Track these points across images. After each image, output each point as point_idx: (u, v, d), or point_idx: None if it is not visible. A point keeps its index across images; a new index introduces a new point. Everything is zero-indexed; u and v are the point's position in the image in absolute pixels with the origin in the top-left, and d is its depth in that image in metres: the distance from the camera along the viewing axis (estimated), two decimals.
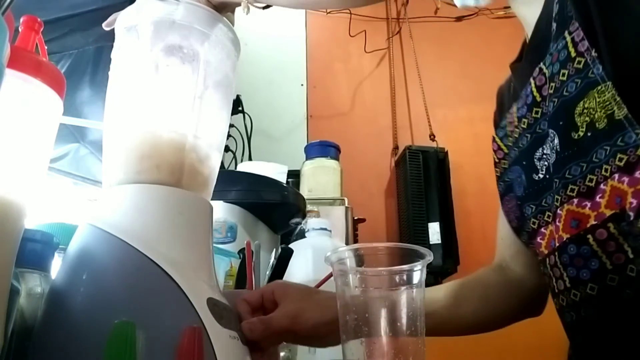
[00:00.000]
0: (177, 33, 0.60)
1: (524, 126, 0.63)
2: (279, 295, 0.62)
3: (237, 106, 1.99)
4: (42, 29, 0.53)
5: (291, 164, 1.64)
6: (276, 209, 1.20)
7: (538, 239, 0.62)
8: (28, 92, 0.47)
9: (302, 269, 1.09)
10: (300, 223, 1.26)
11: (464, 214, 2.24)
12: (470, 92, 2.42)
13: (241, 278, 0.85)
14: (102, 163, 0.61)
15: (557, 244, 0.56)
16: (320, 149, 1.83)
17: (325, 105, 2.44)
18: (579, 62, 0.51)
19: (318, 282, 0.85)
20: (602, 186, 0.50)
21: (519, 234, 0.68)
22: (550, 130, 0.56)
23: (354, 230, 1.67)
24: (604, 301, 0.52)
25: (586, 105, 0.50)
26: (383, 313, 0.52)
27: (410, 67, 2.57)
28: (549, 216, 0.59)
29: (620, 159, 0.48)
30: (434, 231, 2.11)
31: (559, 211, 0.55)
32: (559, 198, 0.55)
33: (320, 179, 1.76)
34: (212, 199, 0.62)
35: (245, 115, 2.01)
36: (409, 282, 0.52)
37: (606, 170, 0.49)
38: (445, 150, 2.28)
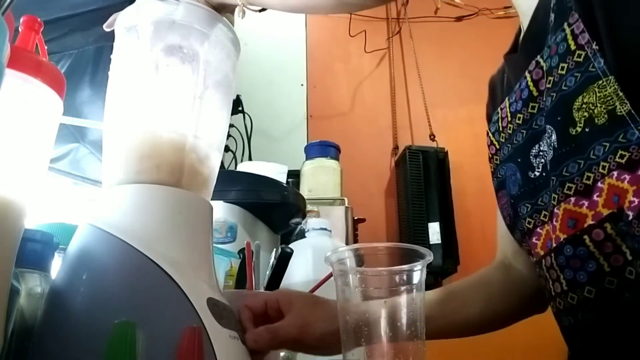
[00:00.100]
0: (177, 33, 0.60)
1: (519, 122, 0.60)
2: (284, 304, 0.62)
3: (237, 106, 2.00)
4: (42, 29, 0.53)
5: (291, 164, 1.64)
6: (276, 209, 1.20)
7: (533, 239, 0.60)
8: (28, 92, 0.47)
9: (302, 269, 1.09)
10: (300, 223, 1.26)
11: (464, 214, 2.24)
12: (470, 92, 2.42)
13: (241, 278, 0.85)
14: (102, 163, 0.61)
15: (554, 245, 0.54)
16: (320, 149, 1.83)
17: (325, 105, 2.44)
18: (579, 56, 0.49)
19: (318, 282, 0.85)
20: (599, 184, 0.48)
21: (512, 231, 0.67)
22: (548, 126, 0.54)
23: (354, 230, 1.67)
24: (602, 305, 0.50)
25: (585, 100, 0.48)
26: (383, 313, 0.51)
27: (410, 67, 2.57)
28: (545, 215, 0.57)
29: (622, 156, 0.46)
30: (434, 231, 2.11)
31: (555, 210, 0.53)
32: (556, 196, 0.53)
33: (320, 179, 1.76)
34: (212, 199, 0.62)
35: (245, 115, 2.01)
36: (409, 282, 0.52)
37: (604, 167, 0.47)
38: (445, 150, 2.28)
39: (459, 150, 2.30)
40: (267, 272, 0.87)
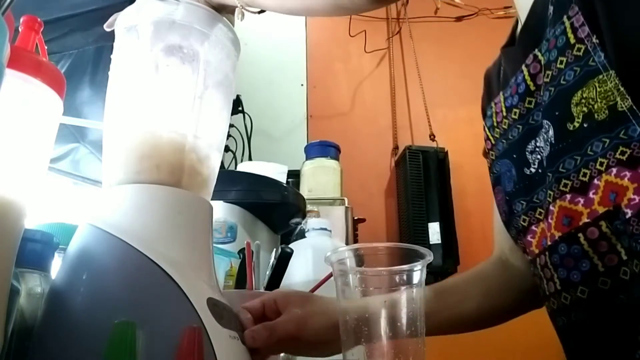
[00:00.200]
0: (177, 33, 0.60)
1: (515, 117, 0.59)
2: (281, 303, 0.62)
3: (237, 106, 2.00)
4: (42, 29, 0.53)
5: (291, 164, 1.64)
6: (276, 209, 1.20)
7: (528, 237, 0.59)
8: (28, 92, 0.47)
9: (302, 269, 1.09)
10: (300, 223, 1.26)
11: (464, 214, 2.24)
12: (470, 92, 2.40)
13: (241, 278, 0.85)
14: (102, 163, 0.61)
15: (549, 243, 0.53)
16: (320, 149, 1.83)
17: (325, 105, 2.44)
18: (579, 50, 0.47)
19: (318, 282, 0.85)
20: (595, 181, 0.47)
21: (507, 229, 0.66)
22: (545, 121, 0.52)
23: (354, 230, 1.67)
24: (595, 306, 0.49)
25: (584, 95, 0.47)
26: (383, 313, 0.51)
27: (410, 67, 2.57)
28: (540, 213, 0.56)
29: (623, 153, 0.44)
30: (434, 231, 2.11)
31: (551, 207, 0.52)
32: (552, 193, 0.52)
33: (320, 179, 1.76)
34: (212, 199, 0.62)
35: (245, 115, 2.01)
36: (409, 282, 0.52)
37: (602, 164, 0.46)
38: (445, 150, 2.28)
39: (459, 150, 2.30)
40: (267, 272, 0.87)
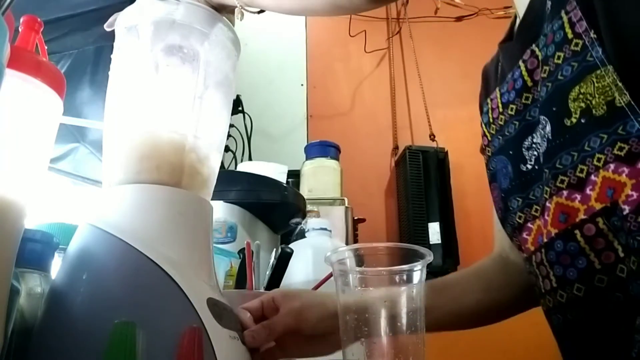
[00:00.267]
0: (177, 33, 0.60)
1: (512, 113, 0.59)
2: (279, 300, 0.62)
3: (237, 106, 2.00)
4: (42, 29, 0.53)
5: (291, 164, 1.64)
6: (276, 209, 1.20)
7: (524, 235, 0.58)
8: (28, 92, 0.47)
9: (302, 269, 1.09)
10: (300, 223, 1.26)
11: (464, 214, 2.24)
12: (470, 92, 2.39)
13: (241, 278, 0.85)
14: (102, 163, 0.61)
15: (545, 240, 0.52)
16: (320, 149, 1.83)
17: (325, 105, 2.44)
18: (577, 45, 0.47)
19: (318, 282, 0.85)
20: (592, 177, 0.46)
21: (503, 226, 0.65)
22: (542, 117, 0.52)
23: (354, 230, 1.67)
24: (592, 303, 0.48)
25: (582, 91, 0.46)
26: (383, 313, 0.52)
27: (410, 67, 2.57)
28: (536, 210, 0.55)
29: (621, 148, 0.44)
30: (434, 231, 2.11)
31: (547, 204, 0.51)
32: (549, 190, 0.51)
33: (320, 179, 1.76)
34: (212, 199, 0.62)
35: (245, 115, 2.01)
36: (409, 282, 0.52)
37: (599, 160, 0.45)
38: (445, 150, 2.28)
39: (459, 150, 2.30)
40: (267, 272, 0.87)
